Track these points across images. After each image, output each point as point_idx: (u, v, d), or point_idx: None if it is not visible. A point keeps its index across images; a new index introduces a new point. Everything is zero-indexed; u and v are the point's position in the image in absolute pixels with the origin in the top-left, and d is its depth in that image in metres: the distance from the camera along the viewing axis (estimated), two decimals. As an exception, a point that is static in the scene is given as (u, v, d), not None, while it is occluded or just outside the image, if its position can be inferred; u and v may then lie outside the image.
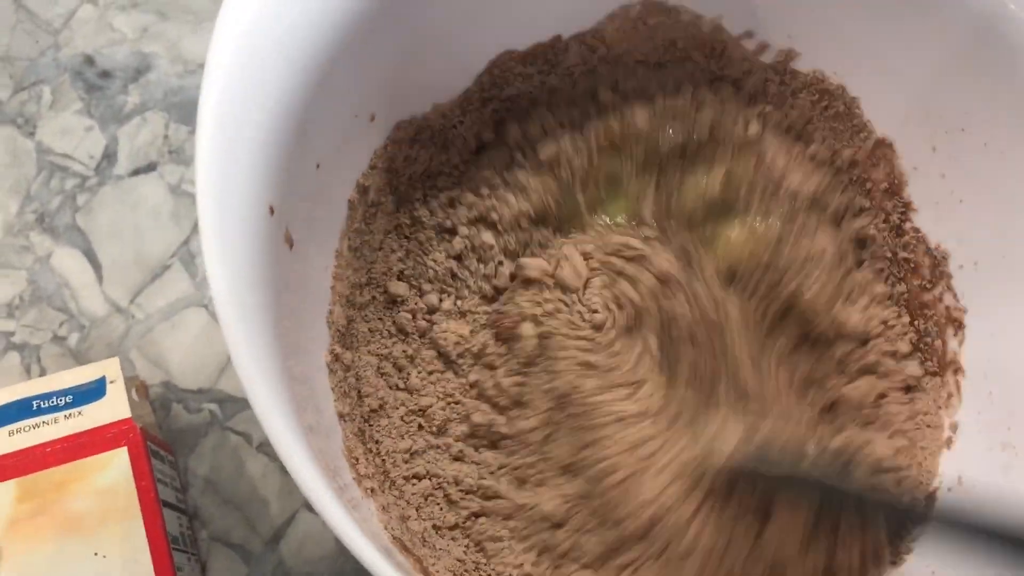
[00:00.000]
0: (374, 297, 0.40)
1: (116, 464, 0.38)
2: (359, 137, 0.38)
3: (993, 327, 0.37)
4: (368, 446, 0.38)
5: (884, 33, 0.37)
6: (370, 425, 0.38)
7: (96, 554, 0.37)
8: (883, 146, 0.40)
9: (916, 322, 0.40)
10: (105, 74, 0.52)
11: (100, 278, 0.48)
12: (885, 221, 0.40)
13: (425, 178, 0.42)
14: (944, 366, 0.39)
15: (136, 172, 0.50)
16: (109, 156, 0.50)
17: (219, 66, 0.29)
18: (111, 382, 0.40)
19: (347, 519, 0.26)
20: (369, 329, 0.40)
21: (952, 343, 0.38)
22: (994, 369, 0.36)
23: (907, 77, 0.37)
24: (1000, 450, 0.35)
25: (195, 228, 0.48)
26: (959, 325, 0.38)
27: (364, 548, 0.26)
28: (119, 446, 0.38)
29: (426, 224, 0.42)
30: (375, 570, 0.26)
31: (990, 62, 0.34)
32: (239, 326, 0.27)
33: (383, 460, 0.38)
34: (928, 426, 0.38)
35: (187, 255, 0.48)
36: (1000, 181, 0.36)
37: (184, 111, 0.51)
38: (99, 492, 0.38)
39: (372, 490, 0.35)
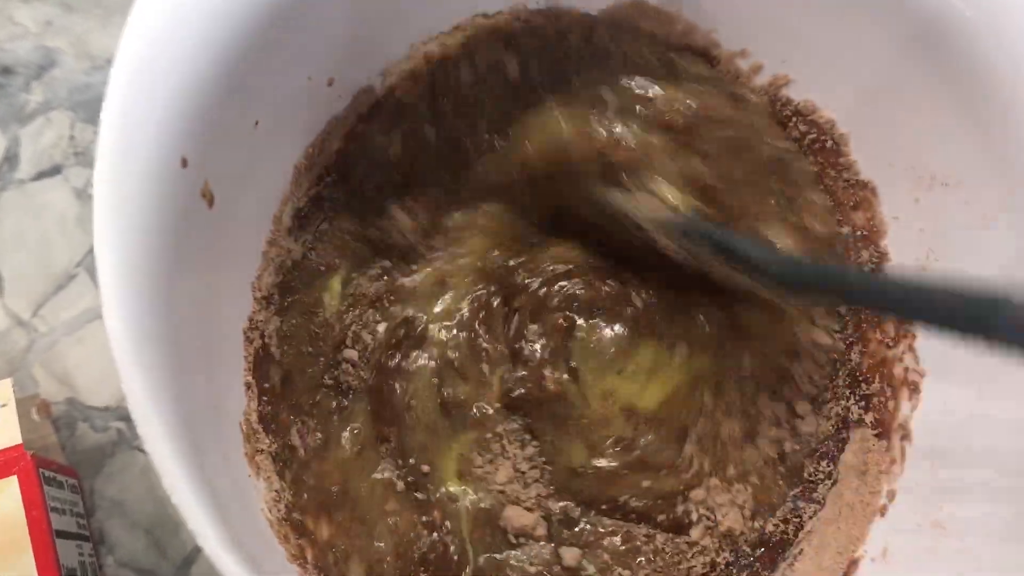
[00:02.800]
0: (316, 270, 0.39)
1: (6, 494, 0.36)
2: (314, 102, 0.36)
3: (948, 398, 0.35)
4: (278, 413, 0.36)
5: (879, 69, 0.35)
6: (287, 393, 0.37)
7: (-17, 592, 0.34)
8: (866, 190, 0.38)
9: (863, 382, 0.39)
10: (5, 71, 0.49)
11: (0, 290, 0.45)
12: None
13: (391, 158, 0.40)
14: (892, 429, 0.37)
15: (40, 176, 0.47)
16: (10, 159, 0.47)
17: (144, 14, 0.27)
18: (2, 405, 0.37)
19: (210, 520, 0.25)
20: (303, 300, 0.38)
21: (904, 407, 0.36)
22: (941, 443, 0.34)
23: (898, 119, 0.35)
24: (930, 527, 0.33)
25: (102, 235, 0.46)
26: (915, 389, 0.36)
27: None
28: (9, 475, 0.36)
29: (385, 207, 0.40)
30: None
31: (979, 113, 0.32)
32: (118, 283, 0.25)
33: (292, 423, 0.37)
34: (866, 490, 0.36)
35: (94, 264, 0.45)
36: (978, 244, 0.33)
37: (91, 110, 0.48)
38: (-13, 525, 0.35)
39: (260, 468, 0.34)
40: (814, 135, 0.38)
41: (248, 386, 0.34)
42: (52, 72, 0.49)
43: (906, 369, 0.37)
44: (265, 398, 0.35)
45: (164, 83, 0.27)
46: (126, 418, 0.43)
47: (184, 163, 0.28)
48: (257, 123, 0.32)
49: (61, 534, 0.37)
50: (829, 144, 0.38)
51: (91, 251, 0.45)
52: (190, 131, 0.28)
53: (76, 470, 0.41)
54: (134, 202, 0.26)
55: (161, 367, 0.26)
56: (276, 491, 0.34)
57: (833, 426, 0.38)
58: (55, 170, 0.47)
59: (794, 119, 0.39)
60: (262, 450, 0.34)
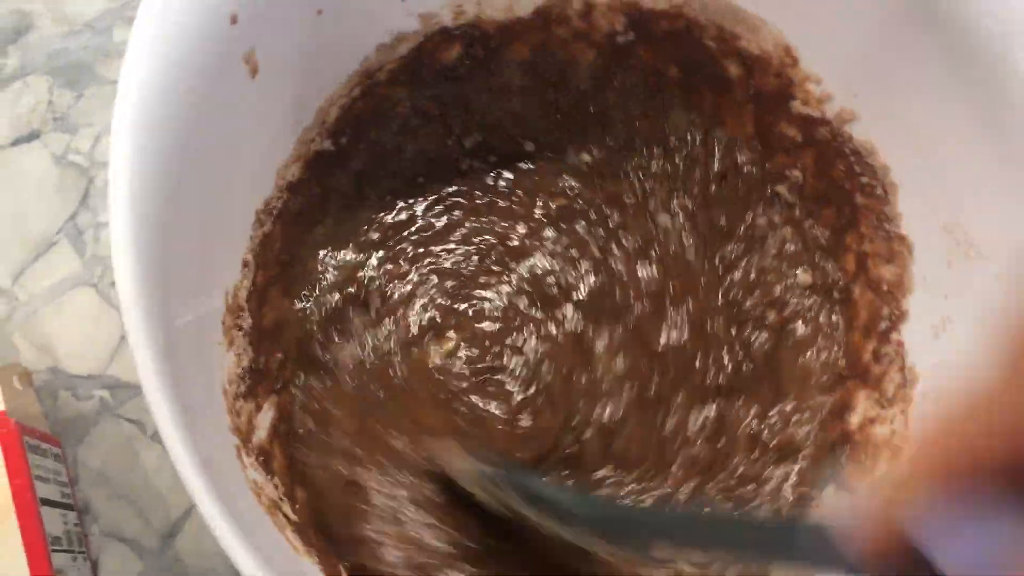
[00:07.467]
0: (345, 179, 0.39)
1: (-12, 462, 0.35)
2: (383, 11, 0.35)
3: None
4: (267, 297, 0.36)
5: (947, 126, 0.33)
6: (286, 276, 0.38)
7: (-33, 560, 0.34)
8: (903, 244, 0.36)
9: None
10: (-20, 35, 0.48)
11: (-22, 257, 0.44)
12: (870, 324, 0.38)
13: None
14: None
15: (17, 142, 0.46)
16: (-13, 125, 0.46)
17: None
18: (-17, 373, 0.37)
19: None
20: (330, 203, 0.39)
21: (880, 470, 0.35)
22: None
23: (950, 178, 0.33)
24: None
25: (83, 202, 0.45)
26: (896, 453, 0.35)
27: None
28: (-9, 442, 0.35)
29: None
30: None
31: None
32: (135, 117, 0.24)
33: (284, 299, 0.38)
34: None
35: (74, 231, 0.45)
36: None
37: (69, 75, 0.47)
38: (-30, 493, 0.35)
39: (234, 342, 0.34)
40: (867, 179, 0.37)
41: (246, 263, 0.35)
42: (28, 36, 0.48)
43: (893, 432, 0.36)
44: (260, 280, 0.35)
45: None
46: (109, 386, 0.42)
47: (234, 20, 0.28)
48: (320, 12, 0.32)
49: (46, 502, 0.36)
50: (879, 191, 0.37)
51: (71, 218, 0.45)
52: None
53: (59, 439, 0.41)
54: (174, 45, 0.26)
55: (156, 210, 0.25)
56: (243, 368, 0.33)
57: None
58: (33, 136, 0.46)
59: (852, 157, 0.37)
60: (240, 327, 0.34)
